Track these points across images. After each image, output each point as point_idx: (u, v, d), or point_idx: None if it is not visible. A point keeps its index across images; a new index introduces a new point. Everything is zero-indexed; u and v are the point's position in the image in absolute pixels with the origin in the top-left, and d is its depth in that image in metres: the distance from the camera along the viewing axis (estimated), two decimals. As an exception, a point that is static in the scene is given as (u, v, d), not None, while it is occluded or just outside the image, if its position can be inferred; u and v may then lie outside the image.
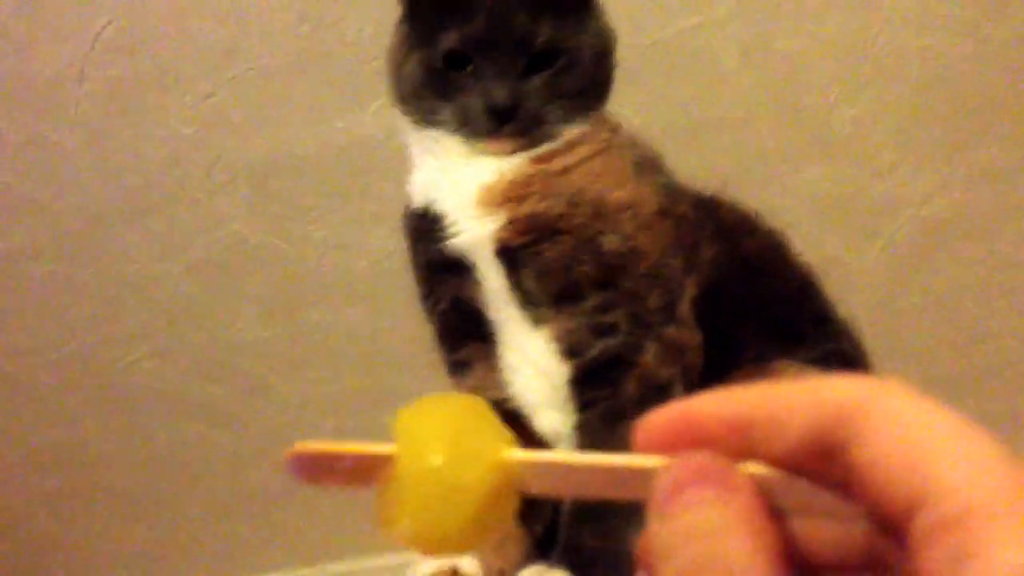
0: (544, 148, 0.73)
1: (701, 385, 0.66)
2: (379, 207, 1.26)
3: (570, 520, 0.69)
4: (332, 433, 1.49)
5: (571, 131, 0.73)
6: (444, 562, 0.66)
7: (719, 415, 0.27)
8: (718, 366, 0.71)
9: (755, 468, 0.27)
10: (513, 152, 0.72)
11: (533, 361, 0.73)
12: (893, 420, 0.24)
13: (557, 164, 0.72)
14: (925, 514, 0.23)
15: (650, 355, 0.70)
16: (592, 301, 0.71)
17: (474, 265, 0.73)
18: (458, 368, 0.77)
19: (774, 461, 0.27)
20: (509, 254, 0.71)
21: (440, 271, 0.75)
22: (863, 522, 0.26)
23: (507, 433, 0.30)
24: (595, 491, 0.30)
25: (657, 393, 0.69)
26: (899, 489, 0.24)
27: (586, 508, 0.68)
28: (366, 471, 0.30)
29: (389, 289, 1.22)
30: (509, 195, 0.71)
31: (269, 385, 1.45)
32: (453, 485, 0.29)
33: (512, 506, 0.30)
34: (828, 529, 0.28)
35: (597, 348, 0.71)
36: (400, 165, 0.80)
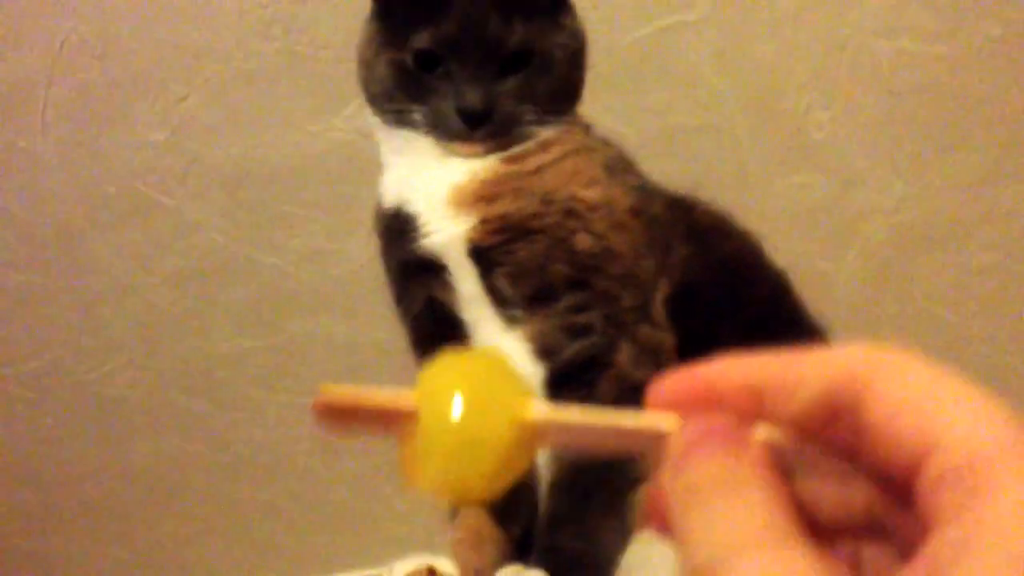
0: (516, 149, 0.73)
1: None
2: (356, 214, 1.26)
3: (548, 521, 0.68)
4: (309, 446, 1.48)
5: (544, 132, 0.73)
6: (421, 562, 0.66)
7: (732, 379, 0.29)
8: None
9: (765, 431, 0.28)
10: (486, 154, 0.72)
11: None
12: (901, 380, 0.26)
13: (529, 164, 0.72)
14: (932, 464, 0.24)
15: (625, 355, 0.70)
16: (566, 302, 0.71)
17: (447, 266, 0.72)
18: None
19: (783, 425, 0.28)
20: (481, 254, 0.71)
21: (413, 272, 0.74)
22: (865, 485, 0.28)
23: (526, 387, 0.32)
24: (608, 447, 0.33)
25: (632, 394, 0.68)
26: (907, 443, 0.25)
27: (564, 510, 0.68)
28: (389, 421, 0.31)
29: (368, 298, 1.22)
30: (481, 195, 0.71)
31: (247, 396, 1.44)
32: (473, 439, 0.30)
33: (531, 457, 0.32)
34: (831, 492, 0.29)
35: (572, 349, 0.71)
36: (377, 171, 0.79)
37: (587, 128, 0.78)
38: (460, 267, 0.72)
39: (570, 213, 0.71)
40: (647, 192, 0.76)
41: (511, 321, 0.72)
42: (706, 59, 1.23)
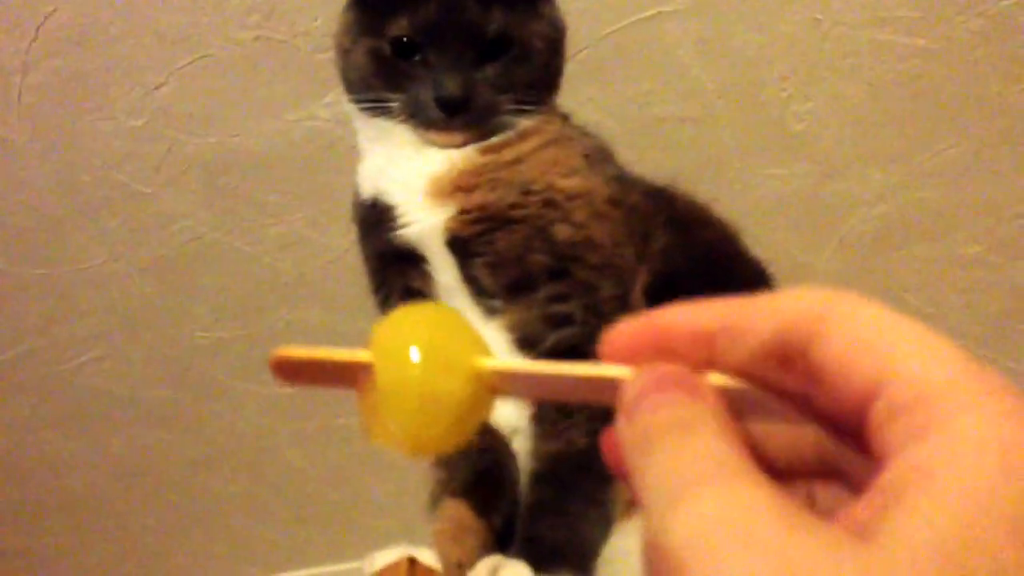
0: (495, 139, 0.72)
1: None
2: (335, 203, 1.25)
3: (529, 512, 0.68)
4: (290, 439, 1.47)
5: (522, 122, 0.73)
6: (401, 553, 0.65)
7: (683, 327, 0.29)
8: None
9: (716, 378, 0.28)
10: (464, 143, 0.72)
11: None
12: (851, 321, 0.26)
13: (508, 154, 0.72)
14: (884, 399, 0.24)
15: None
16: (545, 291, 0.70)
17: (425, 256, 0.72)
18: None
19: (734, 370, 0.28)
20: (460, 245, 0.71)
21: (391, 262, 0.74)
22: (815, 428, 0.28)
23: (481, 340, 0.32)
24: (563, 396, 0.34)
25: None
26: (858, 381, 0.25)
27: (545, 500, 0.68)
28: (345, 376, 0.31)
29: (347, 287, 1.21)
30: (459, 185, 0.71)
31: (226, 387, 1.44)
32: (430, 392, 0.30)
33: (488, 409, 0.32)
34: (782, 435, 0.29)
35: (551, 339, 0.70)
36: (356, 160, 0.79)
37: (565, 118, 0.77)
38: (438, 257, 0.72)
39: (549, 203, 0.71)
40: (626, 182, 0.76)
41: (490, 311, 0.72)
42: (687, 50, 1.23)
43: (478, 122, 0.71)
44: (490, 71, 0.71)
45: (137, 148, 1.28)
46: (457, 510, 0.71)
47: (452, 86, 0.69)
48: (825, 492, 0.29)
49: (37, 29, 1.21)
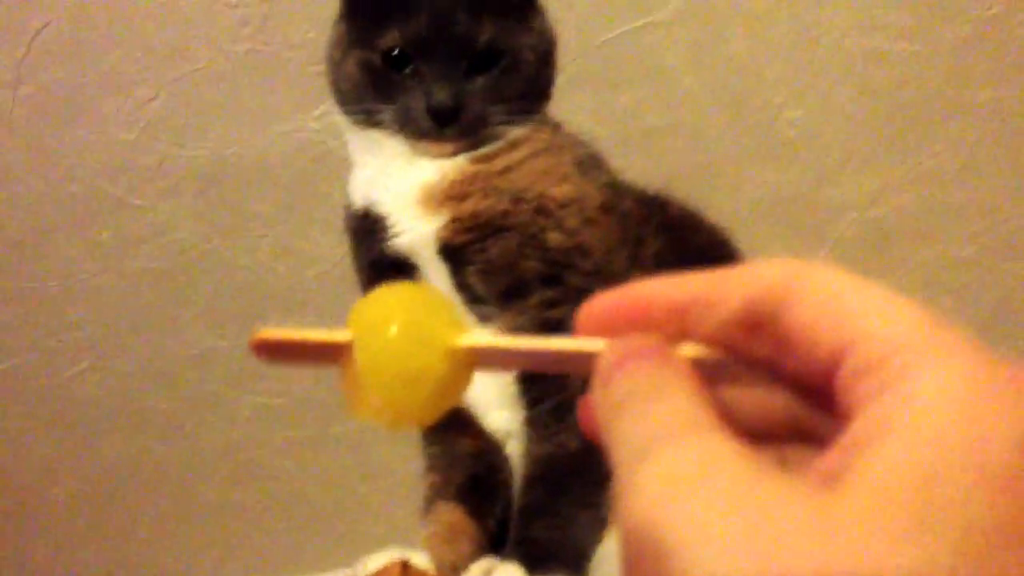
0: (486, 148, 0.72)
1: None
2: (328, 213, 1.25)
3: (522, 514, 0.68)
4: (283, 447, 1.47)
5: (513, 131, 0.73)
6: (393, 557, 0.65)
7: (657, 299, 0.30)
8: None
9: (689, 348, 0.29)
10: (455, 153, 0.72)
11: None
12: (818, 286, 0.26)
13: (499, 163, 0.72)
14: (851, 358, 0.25)
15: None
16: (538, 298, 0.71)
17: (417, 265, 0.72)
18: None
19: (707, 340, 0.29)
20: (452, 253, 0.71)
21: (384, 272, 0.74)
22: (784, 395, 0.29)
23: (458, 316, 0.32)
24: (541, 368, 0.37)
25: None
26: (826, 343, 0.25)
27: (538, 502, 0.68)
28: (326, 355, 0.32)
29: (339, 297, 1.21)
30: (451, 194, 0.71)
31: (219, 397, 1.43)
32: (408, 368, 0.31)
33: (467, 382, 0.32)
34: (753, 401, 0.30)
35: None
36: (348, 170, 0.79)
37: (556, 127, 0.78)
38: (431, 266, 0.72)
39: (541, 211, 0.71)
40: (617, 189, 0.77)
41: (483, 318, 0.72)
42: (678, 58, 1.24)
43: (469, 132, 0.71)
44: (481, 82, 0.71)
45: (129, 161, 1.28)
46: (451, 513, 0.71)
47: (443, 97, 0.69)
48: (795, 454, 0.29)
49: (29, 43, 1.21)
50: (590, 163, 0.77)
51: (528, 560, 0.64)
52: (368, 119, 0.73)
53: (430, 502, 0.73)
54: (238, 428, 1.45)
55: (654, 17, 1.22)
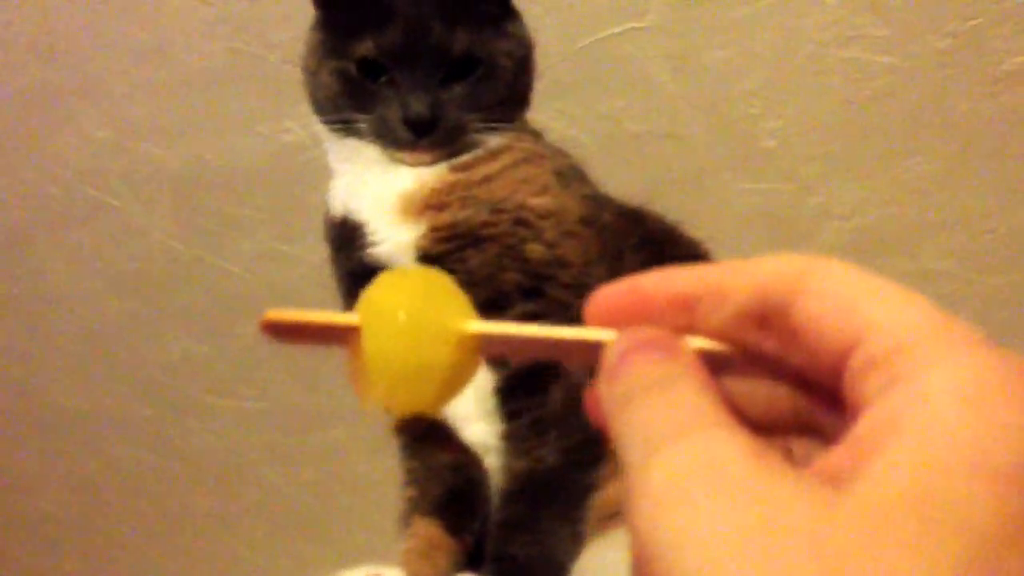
0: (466, 157, 0.72)
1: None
2: (307, 217, 1.25)
3: (499, 529, 0.68)
4: (262, 453, 1.46)
5: (492, 140, 0.73)
6: (367, 572, 0.65)
7: (665, 292, 0.30)
8: None
9: (697, 341, 0.29)
10: (433, 162, 0.72)
11: None
12: (827, 280, 0.27)
13: (478, 173, 0.72)
14: (860, 352, 0.25)
15: None
16: (518, 310, 0.70)
17: None
18: None
19: (714, 333, 0.29)
20: (431, 263, 0.70)
21: (362, 281, 0.73)
22: (791, 388, 0.29)
23: (466, 302, 0.33)
24: (548, 357, 0.37)
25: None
26: (835, 335, 0.26)
27: (516, 518, 0.68)
28: (334, 337, 0.32)
29: (321, 302, 1.21)
30: (429, 203, 0.71)
31: (201, 404, 1.42)
32: (416, 356, 0.31)
33: (474, 370, 0.33)
34: (759, 394, 0.30)
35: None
36: (328, 173, 0.79)
37: (537, 135, 0.77)
38: None
39: (520, 222, 0.71)
40: (598, 201, 0.76)
41: None
42: (659, 65, 1.24)
43: (447, 142, 0.71)
44: (458, 90, 0.71)
45: (106, 162, 1.27)
46: (427, 528, 0.71)
47: (419, 106, 0.69)
48: (801, 447, 0.30)
49: (4, 44, 1.20)
50: (571, 174, 0.77)
51: (505, 576, 0.64)
52: (345, 129, 0.73)
53: (407, 516, 0.73)
54: (219, 435, 1.44)
55: (635, 24, 1.22)
